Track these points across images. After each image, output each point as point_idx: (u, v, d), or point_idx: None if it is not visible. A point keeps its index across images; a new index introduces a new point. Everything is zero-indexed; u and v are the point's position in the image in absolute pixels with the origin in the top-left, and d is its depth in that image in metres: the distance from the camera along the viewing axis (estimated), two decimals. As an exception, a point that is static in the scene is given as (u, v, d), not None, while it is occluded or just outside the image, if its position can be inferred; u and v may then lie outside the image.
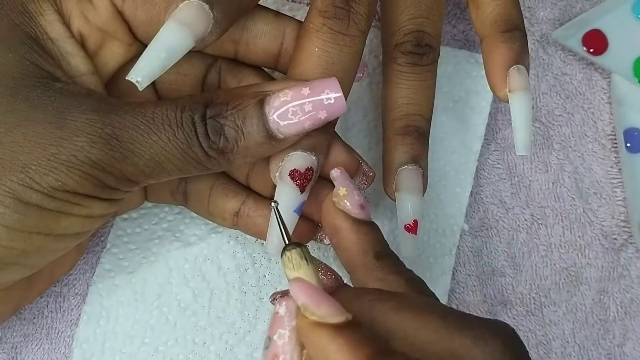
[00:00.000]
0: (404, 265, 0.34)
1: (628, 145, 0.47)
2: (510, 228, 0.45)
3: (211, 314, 0.40)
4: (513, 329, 0.29)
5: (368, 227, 0.35)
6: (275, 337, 0.29)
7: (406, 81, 0.38)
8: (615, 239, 0.46)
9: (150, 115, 0.31)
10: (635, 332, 0.45)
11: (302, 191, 0.34)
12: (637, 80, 0.47)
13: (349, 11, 0.33)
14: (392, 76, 0.38)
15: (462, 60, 0.46)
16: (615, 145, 0.47)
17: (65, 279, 0.41)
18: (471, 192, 0.45)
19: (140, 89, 0.30)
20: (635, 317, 0.45)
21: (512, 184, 0.46)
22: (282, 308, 0.29)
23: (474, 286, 0.44)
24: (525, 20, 0.43)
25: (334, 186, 0.35)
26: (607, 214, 0.46)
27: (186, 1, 0.31)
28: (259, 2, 0.35)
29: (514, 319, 0.44)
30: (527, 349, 0.29)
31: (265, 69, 0.38)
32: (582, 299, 0.45)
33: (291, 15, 0.37)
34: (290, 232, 0.33)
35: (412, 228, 0.37)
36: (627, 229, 0.46)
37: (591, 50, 0.48)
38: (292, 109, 0.32)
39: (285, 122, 0.32)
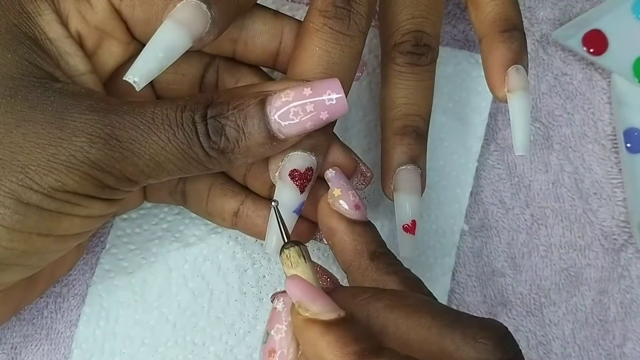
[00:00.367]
0: (401, 265, 0.34)
1: (628, 145, 0.47)
2: (510, 228, 0.45)
3: (211, 314, 0.40)
4: (506, 328, 0.29)
5: (363, 227, 0.35)
6: (272, 332, 0.29)
7: (405, 81, 0.38)
8: (615, 239, 0.46)
9: (150, 115, 0.31)
10: (635, 332, 0.45)
11: (302, 191, 0.34)
12: (637, 80, 0.47)
13: (349, 11, 0.33)
14: (391, 76, 0.38)
15: (462, 60, 0.46)
16: (615, 145, 0.47)
17: (65, 279, 0.41)
18: (471, 192, 0.45)
19: (137, 89, 0.30)
20: (635, 317, 0.45)
21: (512, 185, 0.46)
22: (280, 304, 0.30)
23: (474, 287, 0.44)
24: (525, 20, 0.43)
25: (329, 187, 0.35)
26: (607, 215, 0.46)
27: (184, 1, 0.31)
28: (258, 1, 0.35)
29: (514, 319, 0.44)
30: (528, 349, 0.29)
31: (264, 69, 0.38)
32: (582, 300, 0.45)
33: (291, 15, 0.37)
34: (290, 233, 0.34)
35: (411, 228, 0.37)
36: (627, 230, 0.46)
37: (591, 50, 0.47)
38: (293, 109, 0.32)
39: (287, 123, 0.32)
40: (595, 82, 0.48)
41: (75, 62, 0.33)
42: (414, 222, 0.37)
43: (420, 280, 0.34)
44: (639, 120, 0.47)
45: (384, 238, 0.36)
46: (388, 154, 0.38)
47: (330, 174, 0.35)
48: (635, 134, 0.47)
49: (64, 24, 0.33)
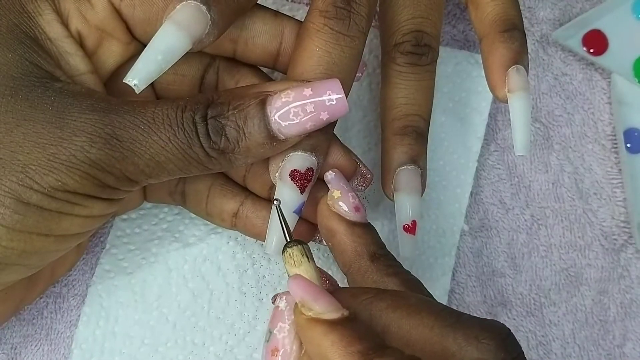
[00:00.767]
0: (401, 266, 0.34)
1: (628, 145, 0.47)
2: (510, 229, 0.45)
3: (211, 314, 0.40)
4: (508, 328, 0.29)
5: (363, 229, 0.35)
6: (275, 330, 0.29)
7: (405, 81, 0.38)
8: (615, 239, 0.46)
9: (150, 115, 0.31)
10: (635, 332, 0.45)
11: (302, 192, 0.34)
12: (637, 80, 0.47)
13: (349, 11, 0.33)
14: (391, 76, 0.38)
15: (462, 60, 0.46)
16: (615, 145, 0.47)
17: (65, 279, 0.41)
18: (471, 192, 0.45)
19: (137, 92, 0.30)
20: (635, 317, 0.45)
21: (512, 185, 0.46)
22: (282, 302, 0.30)
23: (474, 287, 0.44)
24: (525, 20, 0.43)
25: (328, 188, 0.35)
26: (607, 215, 0.46)
27: (183, 2, 0.31)
28: (258, 2, 0.35)
29: (514, 319, 0.44)
30: (528, 349, 0.29)
31: (264, 69, 0.38)
32: (582, 300, 0.45)
33: (291, 15, 0.37)
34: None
35: (411, 228, 0.37)
36: (627, 230, 0.46)
37: (591, 50, 0.47)
38: (293, 109, 0.31)
39: (287, 123, 0.31)
40: (595, 82, 0.48)
41: (76, 61, 0.33)
42: (414, 222, 0.37)
43: (420, 281, 0.34)
44: (639, 120, 0.47)
45: (383, 238, 0.36)
46: (388, 154, 0.38)
47: (329, 175, 0.35)
48: (635, 134, 0.47)
49: (65, 23, 0.33)
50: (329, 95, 0.32)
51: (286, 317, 0.29)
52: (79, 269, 0.41)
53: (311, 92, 0.32)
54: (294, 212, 0.34)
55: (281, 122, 0.31)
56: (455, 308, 0.42)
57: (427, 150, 0.39)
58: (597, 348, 0.44)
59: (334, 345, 0.26)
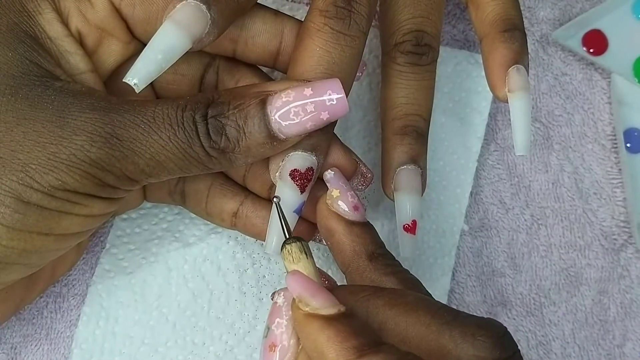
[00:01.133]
0: (400, 265, 0.34)
1: (628, 145, 0.47)
2: (510, 228, 0.45)
3: (211, 314, 0.40)
4: (504, 327, 0.29)
5: (362, 228, 0.35)
6: (273, 326, 0.29)
7: (405, 81, 0.38)
8: (615, 239, 0.46)
9: (150, 114, 0.31)
10: (635, 332, 0.45)
11: (302, 191, 0.34)
12: (637, 80, 0.47)
13: (350, 11, 0.33)
14: (391, 76, 0.38)
15: (462, 60, 0.46)
16: (615, 145, 0.47)
17: (65, 279, 0.41)
18: (471, 192, 0.45)
19: (137, 91, 0.30)
20: (635, 317, 0.45)
21: (512, 185, 0.46)
22: (280, 298, 0.30)
23: (474, 287, 0.44)
24: (525, 20, 0.43)
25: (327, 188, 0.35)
26: (607, 215, 0.46)
27: (183, 2, 0.31)
28: (258, 1, 0.35)
29: (514, 319, 0.44)
30: (528, 349, 0.29)
31: (264, 69, 0.38)
32: (582, 300, 0.45)
33: (291, 15, 0.37)
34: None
35: (411, 228, 0.37)
36: (627, 230, 0.46)
37: (591, 50, 0.48)
38: (294, 109, 0.31)
39: (287, 123, 0.32)
40: (595, 82, 0.48)
41: (76, 60, 0.33)
42: (414, 222, 0.37)
43: (418, 281, 0.34)
44: (639, 120, 0.47)
45: (383, 238, 0.36)
46: (388, 154, 0.38)
47: (329, 174, 0.35)
48: (635, 134, 0.47)
49: (65, 22, 0.33)
50: (330, 95, 0.32)
51: (284, 313, 0.29)
52: (79, 269, 0.41)
53: (311, 92, 0.32)
54: (294, 211, 0.34)
55: (281, 122, 0.31)
56: (455, 308, 0.42)
57: (427, 150, 0.39)
58: (597, 348, 0.44)
59: (330, 341, 0.26)
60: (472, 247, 0.44)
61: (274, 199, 0.32)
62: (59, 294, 0.41)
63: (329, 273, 0.38)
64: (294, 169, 0.33)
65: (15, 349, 0.40)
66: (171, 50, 0.31)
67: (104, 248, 0.41)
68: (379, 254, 0.34)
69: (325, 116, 0.32)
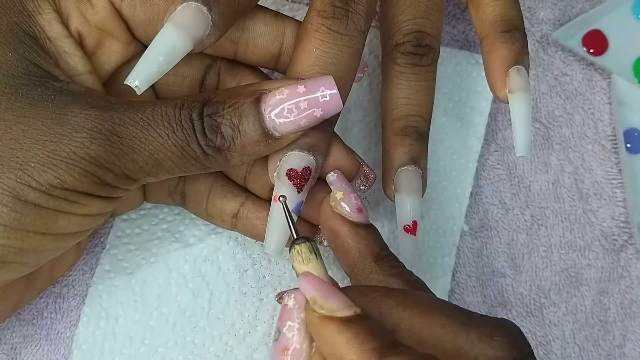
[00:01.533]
0: (404, 267, 0.34)
1: (628, 145, 0.47)
2: (510, 229, 0.45)
3: (211, 315, 0.40)
4: (518, 327, 0.29)
5: (366, 230, 0.35)
6: (284, 329, 0.29)
7: (406, 82, 0.38)
8: (615, 239, 0.46)
9: (149, 112, 0.31)
10: (635, 333, 0.45)
11: (299, 191, 0.34)
12: (637, 80, 0.47)
13: (347, 11, 0.33)
14: (392, 76, 0.38)
15: (462, 60, 0.46)
16: (615, 145, 0.47)
17: (65, 279, 0.41)
18: (471, 192, 0.45)
19: (138, 93, 0.30)
20: (635, 318, 0.45)
21: (512, 185, 0.46)
22: (291, 300, 0.29)
23: (474, 287, 0.44)
24: (525, 20, 0.43)
25: (331, 189, 0.35)
26: (607, 215, 0.46)
27: (184, 3, 0.31)
28: (259, 3, 0.35)
29: (514, 319, 0.44)
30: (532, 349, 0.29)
31: (265, 71, 0.38)
32: (582, 300, 0.45)
33: (291, 16, 0.37)
34: (289, 233, 0.33)
35: (412, 229, 0.37)
36: (627, 230, 0.46)
37: (591, 50, 0.48)
38: (287, 107, 0.32)
39: (281, 120, 0.32)
40: (595, 83, 0.48)
41: (75, 61, 0.33)
42: (415, 222, 0.37)
43: (423, 282, 0.34)
44: (639, 120, 0.47)
45: (384, 238, 0.36)
46: (389, 155, 0.38)
47: (332, 177, 0.35)
48: (635, 134, 0.47)
49: (64, 23, 0.33)
50: (322, 91, 0.32)
51: (295, 316, 0.29)
52: (79, 269, 0.41)
53: (305, 89, 0.32)
54: (292, 211, 0.34)
55: (276, 120, 0.32)
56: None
57: (427, 151, 0.39)
58: (597, 348, 0.44)
59: (349, 343, 0.26)
60: (472, 248, 0.44)
61: (280, 198, 0.32)
62: (59, 294, 0.41)
63: (329, 274, 0.38)
64: (291, 169, 0.33)
65: (15, 349, 0.40)
66: (172, 52, 0.31)
67: (104, 248, 0.41)
68: (384, 255, 0.34)
69: (319, 113, 0.32)
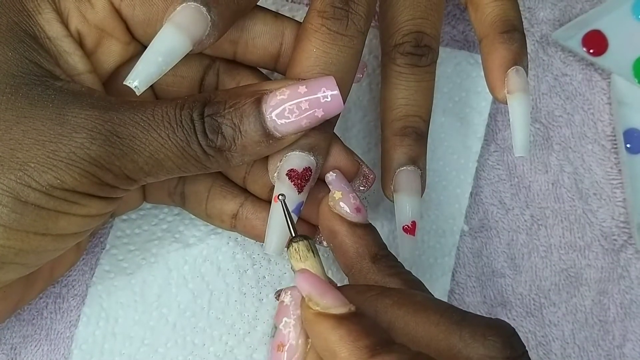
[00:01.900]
0: (402, 267, 0.34)
1: (628, 146, 0.47)
2: (510, 229, 0.45)
3: (211, 315, 0.40)
4: (512, 327, 0.29)
5: (364, 230, 0.35)
6: (281, 325, 0.29)
7: (405, 82, 0.38)
8: (615, 239, 0.46)
9: (150, 113, 0.31)
10: (635, 333, 0.45)
11: (300, 191, 0.34)
12: (637, 80, 0.47)
13: (347, 11, 0.33)
14: (391, 77, 0.38)
15: (461, 60, 0.46)
16: (615, 146, 0.47)
17: (65, 280, 0.41)
18: (471, 192, 0.45)
19: (137, 94, 0.30)
20: (635, 318, 0.45)
21: (511, 185, 0.46)
22: (287, 297, 0.30)
23: (474, 287, 0.44)
24: (525, 20, 0.43)
25: (330, 189, 0.35)
26: (606, 215, 0.46)
27: (183, 4, 0.31)
28: (258, 3, 0.35)
29: (514, 319, 0.44)
30: (527, 349, 0.29)
31: (264, 71, 0.38)
32: (581, 300, 0.45)
33: (290, 16, 0.37)
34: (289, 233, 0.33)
35: (411, 229, 0.37)
36: (626, 230, 0.46)
37: (591, 50, 0.48)
38: (289, 107, 0.32)
39: (282, 121, 0.32)
40: (595, 83, 0.48)
41: (74, 61, 0.33)
42: (414, 223, 0.37)
43: (421, 282, 0.34)
44: (639, 120, 0.47)
45: (383, 238, 0.36)
46: (388, 155, 0.38)
47: (330, 176, 0.35)
48: (635, 134, 0.47)
49: (64, 22, 0.33)
50: (324, 92, 0.32)
51: (291, 312, 0.29)
52: (78, 269, 0.41)
53: (306, 90, 0.32)
54: (292, 211, 0.34)
55: (277, 120, 0.32)
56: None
57: (426, 151, 0.39)
58: (596, 348, 0.44)
59: (342, 340, 0.26)
60: (472, 248, 0.44)
61: (280, 197, 0.32)
62: (58, 294, 0.41)
63: (329, 274, 0.38)
64: (291, 169, 0.33)
65: (15, 349, 0.40)
66: (172, 52, 0.31)
67: (103, 249, 0.41)
68: (382, 255, 0.34)
69: (320, 113, 0.32)
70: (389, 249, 0.35)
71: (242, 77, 0.37)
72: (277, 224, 0.34)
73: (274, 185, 0.34)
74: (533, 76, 0.47)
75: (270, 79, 0.38)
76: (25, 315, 0.40)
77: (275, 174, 0.34)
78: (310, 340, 0.29)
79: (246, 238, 0.41)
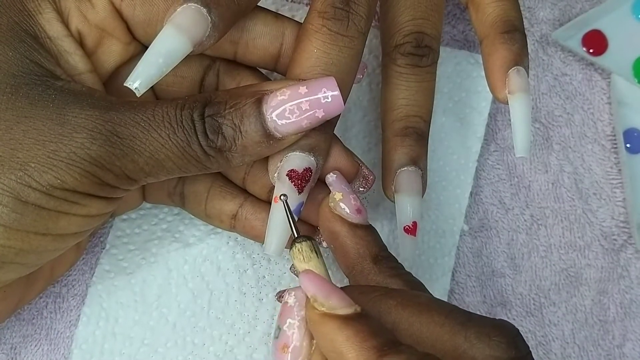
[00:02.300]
0: (403, 268, 0.34)
1: (628, 145, 0.47)
2: (510, 229, 0.45)
3: (210, 314, 0.40)
4: (516, 328, 0.29)
5: (365, 231, 0.35)
6: (284, 327, 0.29)
7: (405, 82, 0.38)
8: (614, 239, 0.46)
9: (150, 113, 0.31)
10: (635, 332, 0.45)
11: (300, 192, 0.34)
12: (636, 80, 0.47)
13: (348, 12, 0.33)
14: (392, 77, 0.38)
15: (462, 60, 0.46)
16: (615, 145, 0.47)
17: (65, 279, 0.41)
18: (471, 192, 0.45)
19: (138, 95, 0.30)
20: (634, 317, 0.45)
21: (511, 185, 0.46)
22: (291, 298, 0.29)
23: (474, 287, 0.44)
24: (525, 20, 0.43)
25: (330, 190, 0.35)
26: (606, 215, 0.46)
27: (184, 5, 0.31)
28: (258, 3, 0.35)
29: (514, 319, 0.44)
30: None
31: (264, 72, 0.38)
32: (581, 300, 0.45)
33: (290, 16, 0.37)
34: (289, 234, 0.33)
35: (412, 230, 0.37)
36: (626, 230, 0.46)
37: (591, 50, 0.48)
38: (289, 107, 0.32)
39: (283, 121, 0.32)
40: (595, 83, 0.48)
41: (75, 60, 0.33)
42: (414, 223, 0.37)
43: (422, 283, 0.34)
44: (639, 120, 0.47)
45: (383, 239, 0.36)
46: (389, 155, 0.38)
47: (331, 177, 0.35)
48: (635, 134, 0.47)
49: (65, 22, 0.33)
50: (324, 92, 0.32)
51: (295, 313, 0.29)
52: (78, 269, 0.41)
53: (306, 90, 0.32)
54: (292, 212, 0.34)
55: (277, 121, 0.32)
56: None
57: (427, 152, 0.39)
58: (596, 348, 0.44)
59: (349, 340, 0.26)
60: (472, 248, 0.44)
61: (281, 197, 0.32)
62: (58, 294, 0.41)
63: (328, 274, 0.38)
64: (291, 170, 0.33)
65: (15, 349, 0.40)
66: (172, 53, 0.31)
67: (103, 248, 0.41)
68: (383, 256, 0.34)
69: (320, 114, 0.32)
70: (389, 249, 0.35)
71: (243, 78, 0.37)
72: (277, 225, 0.33)
73: (273, 186, 0.34)
74: (533, 76, 0.47)
75: (271, 80, 0.38)
76: (25, 315, 0.40)
77: (276, 175, 0.34)
78: (314, 341, 0.29)
79: (246, 238, 0.41)
